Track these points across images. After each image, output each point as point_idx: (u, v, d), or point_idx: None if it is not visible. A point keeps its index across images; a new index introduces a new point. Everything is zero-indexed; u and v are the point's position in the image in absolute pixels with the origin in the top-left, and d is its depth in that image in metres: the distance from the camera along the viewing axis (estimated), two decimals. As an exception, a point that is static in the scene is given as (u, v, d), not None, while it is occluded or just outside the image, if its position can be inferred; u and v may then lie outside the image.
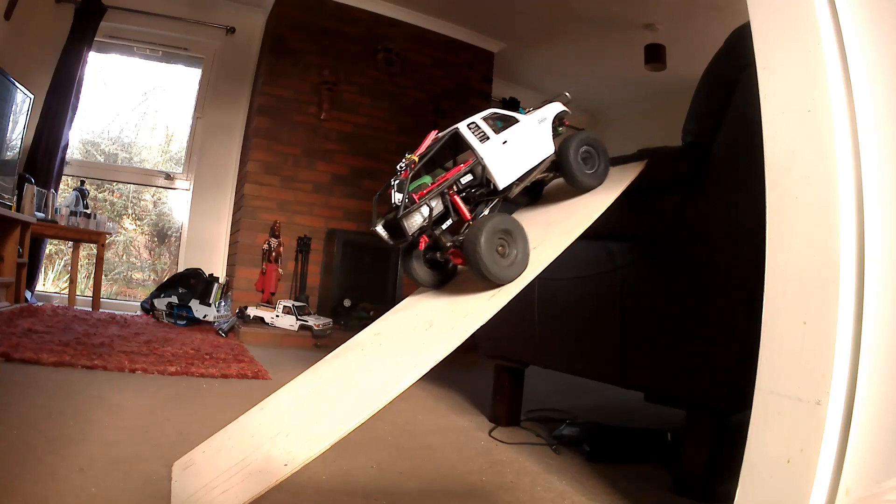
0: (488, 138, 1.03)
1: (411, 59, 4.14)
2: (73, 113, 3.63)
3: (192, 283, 3.62)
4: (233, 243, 3.92)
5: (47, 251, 3.81)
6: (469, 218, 1.00)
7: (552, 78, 5.22)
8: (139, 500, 0.87)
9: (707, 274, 1.08)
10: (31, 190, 3.12)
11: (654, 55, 4.15)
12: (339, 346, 1.11)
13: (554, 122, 1.17)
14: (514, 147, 1.06)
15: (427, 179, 1.02)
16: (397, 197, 0.95)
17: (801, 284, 0.67)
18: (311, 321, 3.16)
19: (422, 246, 1.02)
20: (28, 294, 3.35)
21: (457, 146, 1.05)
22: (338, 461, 1.12)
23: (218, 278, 3.79)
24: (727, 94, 1.08)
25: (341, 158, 3.90)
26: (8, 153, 3.05)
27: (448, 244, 1.00)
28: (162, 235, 4.48)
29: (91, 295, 3.56)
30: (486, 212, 1.04)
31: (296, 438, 0.83)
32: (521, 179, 1.07)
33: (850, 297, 0.64)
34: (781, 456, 0.65)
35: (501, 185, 1.03)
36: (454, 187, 1.00)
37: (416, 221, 0.97)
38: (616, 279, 1.24)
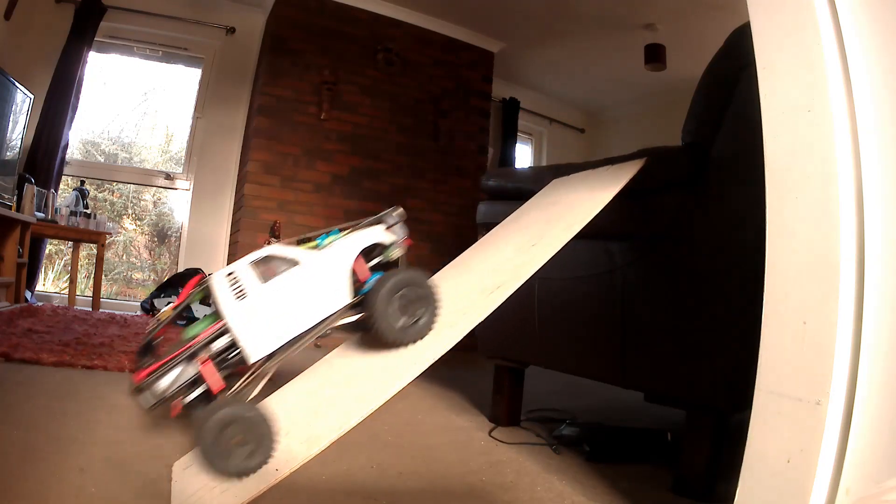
0: (246, 295, 0.81)
1: (411, 59, 4.14)
2: (73, 113, 3.63)
3: (192, 283, 3.62)
4: (233, 243, 3.92)
5: (47, 251, 3.81)
6: (216, 391, 0.80)
7: (552, 78, 5.23)
8: (139, 499, 0.87)
9: (707, 274, 1.08)
10: (31, 190, 3.12)
11: (654, 55, 4.15)
12: (338, 346, 1.11)
13: (374, 249, 0.92)
14: (283, 304, 0.82)
15: (203, 325, 0.84)
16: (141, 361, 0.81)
17: (801, 284, 0.67)
18: (311, 321, 3.15)
19: (173, 414, 0.82)
20: (28, 294, 3.35)
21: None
22: (338, 461, 1.11)
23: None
24: (727, 94, 1.08)
25: (341, 158, 3.90)
26: (8, 153, 3.04)
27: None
28: (162, 235, 4.48)
29: (91, 295, 3.56)
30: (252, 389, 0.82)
31: (295, 437, 0.83)
32: (295, 342, 0.85)
33: (850, 297, 0.63)
34: (781, 456, 0.65)
35: (253, 358, 0.81)
36: (207, 352, 0.81)
37: (157, 389, 0.79)
38: (616, 279, 1.24)
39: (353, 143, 3.93)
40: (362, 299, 0.88)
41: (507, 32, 4.31)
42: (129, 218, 4.50)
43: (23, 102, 3.14)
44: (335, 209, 3.88)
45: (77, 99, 3.64)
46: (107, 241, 3.60)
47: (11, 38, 3.33)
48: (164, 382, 0.79)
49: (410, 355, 0.88)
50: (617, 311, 1.23)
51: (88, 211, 3.54)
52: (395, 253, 0.93)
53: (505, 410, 1.57)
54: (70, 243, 3.79)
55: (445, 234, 4.19)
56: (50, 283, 4.17)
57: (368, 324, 0.87)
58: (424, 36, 4.20)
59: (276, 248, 0.85)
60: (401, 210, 0.96)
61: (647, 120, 5.38)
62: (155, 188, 4.30)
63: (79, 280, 3.78)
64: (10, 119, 3.02)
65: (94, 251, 3.60)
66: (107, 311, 3.49)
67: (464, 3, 3.94)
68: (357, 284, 0.89)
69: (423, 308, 0.88)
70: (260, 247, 3.26)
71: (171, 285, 3.63)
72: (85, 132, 4.14)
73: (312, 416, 0.88)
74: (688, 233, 1.12)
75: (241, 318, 0.80)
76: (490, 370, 1.64)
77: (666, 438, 1.40)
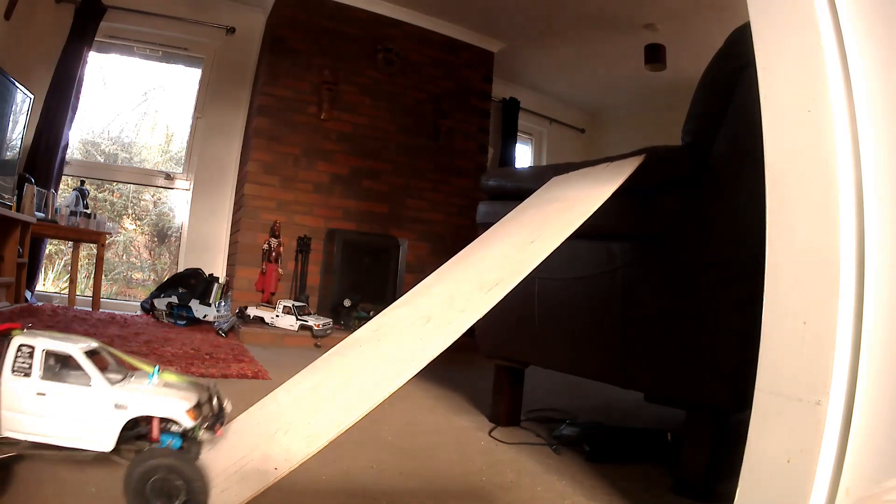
0: (27, 376, 0.78)
1: (411, 59, 4.14)
2: (73, 113, 3.63)
3: (192, 283, 3.62)
4: (233, 243, 3.92)
5: (47, 251, 3.81)
6: None
7: (552, 78, 5.23)
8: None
9: (707, 274, 1.08)
10: (31, 190, 3.12)
11: (654, 55, 4.15)
12: (337, 344, 1.11)
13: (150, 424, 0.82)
14: (49, 409, 0.78)
15: None
16: None
17: (801, 284, 0.67)
18: (311, 321, 3.16)
19: None
20: (28, 294, 3.35)
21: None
22: (338, 461, 1.11)
23: (218, 278, 3.79)
24: (727, 94, 1.08)
25: (341, 158, 3.90)
26: (8, 153, 3.05)
27: None
28: (162, 235, 4.48)
29: (91, 295, 3.56)
30: None
31: (294, 436, 0.82)
32: (41, 447, 0.79)
33: (850, 297, 0.63)
34: (781, 456, 0.65)
35: (1, 433, 0.78)
36: None
37: None
38: (616, 279, 1.24)
39: (353, 143, 3.94)
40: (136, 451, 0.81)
41: (507, 32, 4.31)
42: (129, 218, 4.50)
43: (23, 102, 3.14)
44: (335, 209, 3.88)
45: (77, 99, 3.64)
46: (107, 241, 3.60)
47: (11, 38, 3.33)
48: None
49: (409, 353, 0.88)
50: (617, 311, 1.23)
51: (88, 211, 3.54)
52: (204, 436, 0.84)
53: (505, 410, 1.57)
54: (70, 243, 3.79)
55: (445, 234, 4.19)
56: (50, 283, 4.17)
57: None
58: (424, 36, 4.20)
59: (80, 355, 0.80)
60: (223, 402, 0.89)
61: (647, 120, 5.38)
62: (155, 188, 4.30)
63: (79, 280, 3.78)
64: (10, 119, 3.02)
65: (94, 251, 3.60)
66: (107, 311, 3.49)
67: (464, 3, 3.94)
68: (148, 437, 0.82)
69: (188, 496, 0.77)
70: (260, 247, 3.25)
71: (171, 285, 3.63)
72: (85, 132, 4.14)
73: (312, 414, 0.88)
74: (688, 233, 1.12)
75: (8, 393, 0.78)
76: (490, 370, 1.64)
77: (666, 438, 1.40)
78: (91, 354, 0.81)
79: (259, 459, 0.81)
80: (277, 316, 3.19)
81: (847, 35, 0.66)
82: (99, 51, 3.92)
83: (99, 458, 0.81)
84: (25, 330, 0.81)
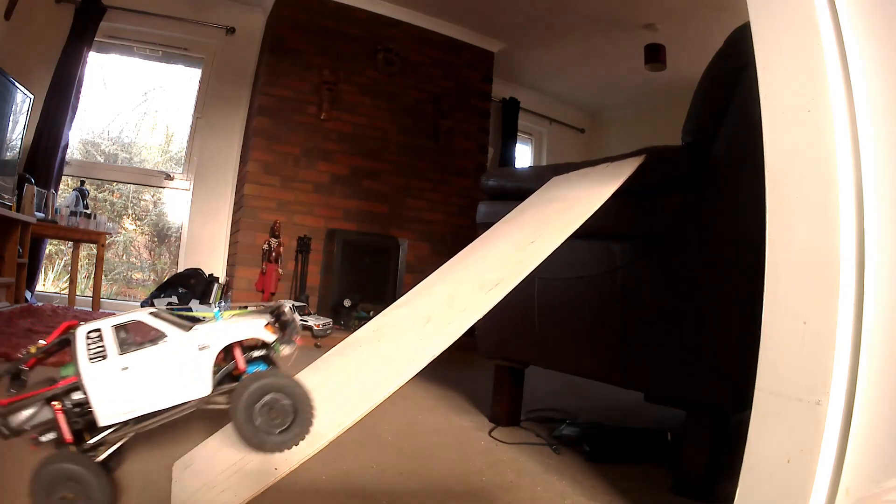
0: (104, 358, 0.78)
1: (411, 59, 4.14)
2: (73, 113, 3.63)
3: (192, 284, 3.62)
4: (233, 243, 3.92)
5: (47, 251, 3.81)
6: (68, 441, 0.77)
7: (552, 78, 5.23)
8: (139, 499, 0.87)
9: (707, 274, 1.08)
10: (31, 190, 3.12)
11: (654, 55, 4.15)
12: (337, 345, 1.11)
13: (242, 347, 0.85)
14: (139, 379, 0.78)
15: (66, 372, 0.81)
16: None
17: (801, 284, 0.67)
18: (312, 321, 3.16)
19: (31, 448, 0.80)
20: (28, 294, 3.35)
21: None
22: (338, 461, 1.11)
23: (218, 278, 3.79)
24: (727, 94, 1.08)
25: (341, 158, 3.90)
26: (8, 153, 3.04)
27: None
28: (162, 235, 4.48)
29: (91, 295, 3.56)
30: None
31: (295, 438, 0.82)
32: (147, 419, 0.80)
33: (850, 297, 0.63)
34: (781, 456, 0.65)
35: (101, 422, 0.78)
36: (66, 399, 0.79)
37: (11, 423, 0.77)
38: (616, 279, 1.24)
39: (353, 143, 3.93)
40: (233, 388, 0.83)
41: (507, 32, 4.31)
42: (129, 218, 4.49)
43: (23, 102, 3.14)
44: (335, 209, 3.88)
45: (77, 99, 3.64)
46: (107, 241, 3.60)
47: (11, 38, 3.33)
48: (20, 418, 0.78)
49: (410, 353, 0.88)
50: (617, 310, 1.23)
51: (88, 211, 3.54)
52: (285, 350, 0.86)
53: (505, 410, 1.57)
54: (70, 243, 3.79)
55: (445, 234, 4.19)
56: (50, 283, 4.17)
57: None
58: (424, 36, 4.20)
59: (147, 317, 0.80)
60: (289, 308, 0.89)
61: (647, 120, 5.38)
62: (155, 188, 4.30)
63: (79, 280, 3.78)
64: (10, 119, 3.02)
65: (94, 251, 3.60)
66: (107, 311, 3.49)
67: (464, 3, 3.94)
68: (236, 372, 0.84)
69: (293, 419, 0.80)
70: (260, 247, 3.26)
71: (171, 285, 3.63)
72: (85, 132, 4.14)
73: (312, 416, 0.88)
74: (688, 233, 1.12)
75: (94, 380, 0.78)
76: (490, 370, 1.64)
77: (666, 438, 1.40)
78: (154, 317, 0.81)
79: (259, 460, 0.81)
80: (277, 316, 3.19)
81: (847, 35, 0.66)
82: (99, 51, 3.92)
83: (201, 412, 0.81)
84: (80, 324, 0.81)
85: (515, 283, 0.91)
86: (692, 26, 3.87)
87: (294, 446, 0.79)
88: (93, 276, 3.64)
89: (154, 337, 0.79)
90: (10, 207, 2.89)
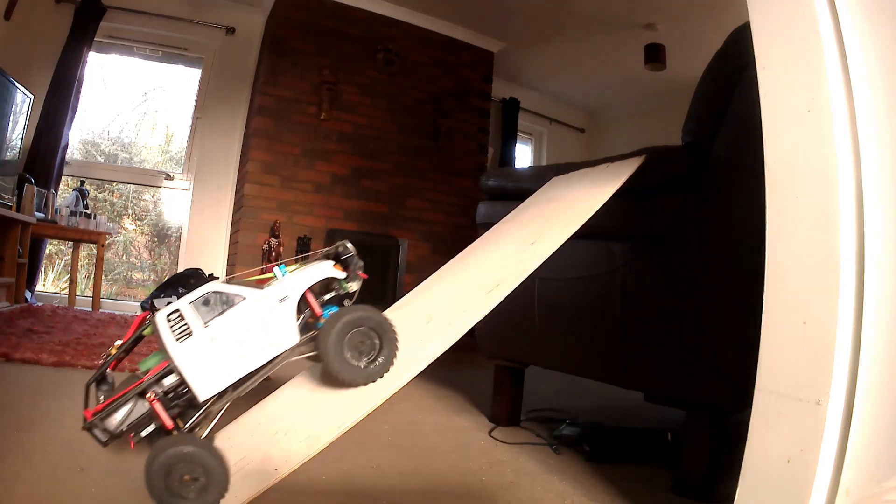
0: (190, 334, 0.79)
1: (411, 59, 4.14)
2: (73, 113, 3.63)
3: (192, 283, 3.61)
4: (233, 243, 3.92)
5: (47, 251, 3.81)
6: (170, 428, 0.79)
7: (552, 78, 5.23)
8: (139, 500, 0.87)
9: (707, 274, 1.08)
10: (31, 190, 3.12)
11: (654, 55, 4.15)
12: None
13: (330, 283, 0.89)
14: (230, 344, 0.80)
15: (155, 361, 0.84)
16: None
17: (801, 284, 0.67)
18: (311, 321, 3.15)
19: (132, 446, 0.81)
20: (28, 294, 3.35)
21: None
22: (338, 461, 1.11)
23: (218, 278, 3.79)
24: (727, 94, 1.08)
25: (341, 158, 3.90)
26: (8, 153, 3.05)
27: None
28: (162, 235, 4.48)
29: (91, 295, 3.56)
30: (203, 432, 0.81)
31: (294, 437, 0.83)
32: (244, 381, 0.83)
33: (850, 297, 0.63)
34: (781, 456, 0.65)
35: (202, 397, 0.80)
36: (157, 388, 0.81)
37: (109, 426, 0.78)
38: (616, 279, 1.24)
39: (353, 143, 3.93)
40: (316, 335, 0.86)
41: (507, 32, 4.31)
42: (129, 218, 4.49)
43: (23, 102, 3.14)
44: (335, 209, 3.88)
45: (77, 99, 3.64)
46: (107, 242, 3.60)
47: (11, 38, 3.33)
48: (116, 419, 0.79)
49: (411, 354, 0.88)
50: (617, 311, 1.23)
51: (88, 211, 3.54)
52: (353, 286, 0.90)
53: (505, 410, 1.57)
54: (70, 243, 3.79)
55: (445, 234, 4.19)
56: (50, 283, 4.17)
57: (321, 361, 0.85)
58: (424, 36, 4.20)
59: (219, 286, 0.82)
60: (348, 244, 0.93)
61: (647, 120, 5.38)
62: (155, 188, 4.30)
63: (79, 280, 3.78)
64: (10, 119, 3.02)
65: (94, 251, 3.60)
66: (107, 311, 3.49)
67: (464, 3, 3.94)
68: (311, 320, 0.87)
69: (379, 347, 0.85)
70: (260, 247, 3.28)
71: (171, 285, 3.63)
72: (85, 132, 4.14)
73: (312, 415, 0.88)
74: (688, 233, 1.12)
75: (186, 358, 0.79)
76: (490, 370, 1.64)
77: (666, 438, 1.40)
78: (226, 285, 0.84)
79: (259, 460, 0.81)
80: (277, 316, 3.19)
81: (847, 35, 0.66)
82: (99, 51, 3.92)
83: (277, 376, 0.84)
84: (155, 309, 0.83)
85: (516, 285, 0.91)
86: (692, 26, 3.87)
87: (384, 375, 0.83)
88: (93, 276, 3.64)
89: (233, 301, 0.82)
90: (10, 207, 2.89)
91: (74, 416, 1.25)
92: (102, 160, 4.21)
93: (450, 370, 2.30)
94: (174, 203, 4.36)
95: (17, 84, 3.01)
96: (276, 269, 0.88)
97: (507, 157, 5.25)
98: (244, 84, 4.17)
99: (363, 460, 1.16)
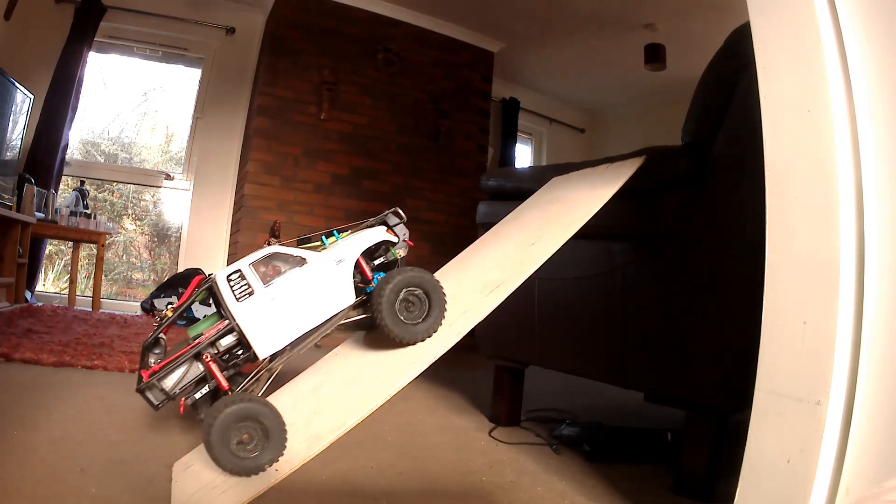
0: (252, 293, 0.82)
1: (411, 59, 4.14)
2: (73, 113, 3.63)
3: (192, 284, 3.61)
4: (233, 243, 3.92)
5: (47, 251, 3.81)
6: (226, 388, 0.81)
7: (552, 78, 5.23)
8: (139, 500, 0.87)
9: (707, 274, 1.08)
10: (31, 190, 3.12)
11: (654, 55, 4.15)
12: (338, 345, 1.11)
13: (378, 249, 0.93)
14: (290, 303, 0.83)
15: (209, 323, 0.86)
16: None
17: (801, 284, 0.67)
18: (311, 321, 3.16)
19: (181, 410, 0.84)
20: (28, 294, 3.35)
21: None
22: (338, 462, 1.11)
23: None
24: (727, 94, 1.08)
25: (341, 158, 3.90)
26: (8, 153, 3.04)
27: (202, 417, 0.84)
28: (162, 235, 4.48)
29: (91, 295, 3.56)
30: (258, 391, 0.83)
31: (295, 437, 0.82)
32: (302, 340, 0.86)
33: (850, 297, 0.63)
34: (781, 456, 0.65)
35: (262, 355, 0.83)
36: (213, 349, 0.83)
37: (164, 387, 0.81)
38: (616, 279, 1.24)
39: (353, 143, 3.93)
40: (366, 298, 0.90)
41: (507, 32, 4.31)
42: (129, 218, 4.49)
43: (23, 102, 3.14)
44: (335, 209, 3.88)
45: (77, 99, 3.64)
46: (107, 242, 3.60)
47: (11, 38, 3.33)
48: (170, 381, 0.81)
49: (411, 355, 0.88)
50: (617, 311, 1.23)
51: (88, 211, 3.54)
52: (400, 252, 0.95)
53: (505, 410, 1.56)
54: (70, 243, 3.79)
55: (445, 234, 4.19)
56: (50, 283, 4.17)
57: (375, 322, 0.87)
58: (424, 36, 4.20)
59: (279, 248, 0.85)
60: (400, 211, 0.98)
61: (647, 120, 5.38)
62: (155, 188, 4.30)
63: (79, 280, 3.78)
64: (10, 119, 3.02)
65: (94, 251, 3.60)
66: (107, 311, 3.49)
67: (463, 3, 3.94)
68: (361, 284, 0.91)
69: (428, 306, 0.88)
70: (260, 247, 3.27)
71: (171, 285, 3.62)
72: (85, 132, 4.14)
73: (313, 416, 0.88)
74: (688, 233, 1.12)
75: (247, 316, 0.81)
76: (490, 370, 1.64)
77: (666, 438, 1.40)
78: (287, 248, 0.88)
79: (259, 460, 0.81)
80: (277, 316, 3.19)
81: (847, 35, 0.66)
82: (99, 51, 3.92)
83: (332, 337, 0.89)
84: (208, 274, 0.86)
85: (517, 285, 0.91)
86: (692, 26, 3.87)
87: (435, 332, 0.87)
88: (93, 276, 3.64)
89: (293, 263, 0.85)
90: (10, 207, 2.89)
91: (74, 416, 1.25)
92: (102, 160, 4.21)
93: (450, 370, 2.29)
94: (174, 203, 4.36)
95: (17, 84, 3.01)
96: (329, 234, 0.93)
97: (507, 157, 5.24)
98: (244, 84, 4.17)
99: (363, 460, 1.16)
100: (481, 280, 1.01)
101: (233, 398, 0.77)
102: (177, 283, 3.64)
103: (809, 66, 0.68)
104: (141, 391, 0.80)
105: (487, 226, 1.39)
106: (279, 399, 1.02)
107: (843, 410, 0.63)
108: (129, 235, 4.48)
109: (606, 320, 1.26)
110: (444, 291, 0.89)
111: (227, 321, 0.82)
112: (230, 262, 3.96)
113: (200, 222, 4.11)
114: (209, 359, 0.81)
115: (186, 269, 3.80)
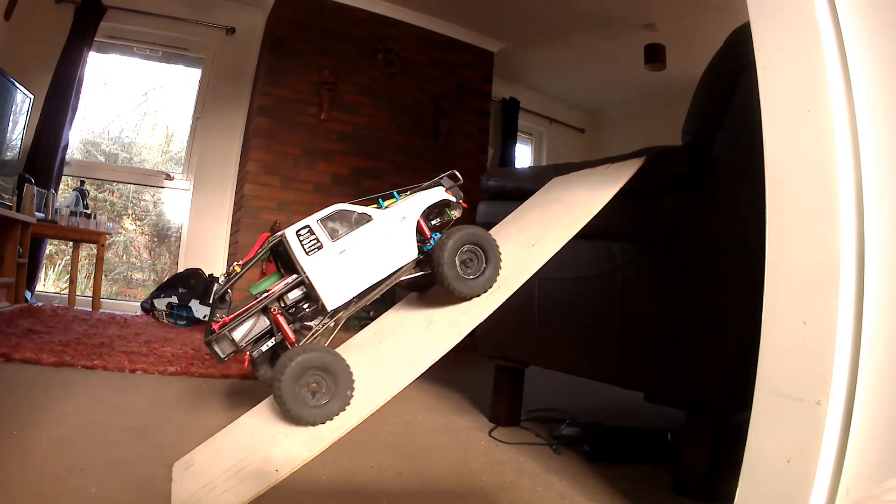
0: (321, 247, 0.86)
1: (411, 59, 4.14)
2: (73, 113, 3.63)
3: (192, 283, 3.61)
4: (233, 243, 3.92)
5: (47, 251, 3.81)
6: (292, 340, 0.86)
7: (552, 78, 5.23)
8: (139, 500, 0.87)
9: (707, 274, 1.08)
10: (31, 190, 3.12)
11: (654, 55, 4.15)
12: (338, 346, 1.11)
13: (432, 211, 0.98)
14: (357, 257, 0.88)
15: (270, 282, 0.90)
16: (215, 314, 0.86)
17: (801, 284, 0.67)
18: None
19: (246, 364, 0.90)
20: (28, 294, 3.35)
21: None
22: (338, 461, 1.11)
23: (218, 278, 3.78)
24: (727, 94, 1.08)
25: (341, 158, 3.90)
26: (8, 153, 3.04)
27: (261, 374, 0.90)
28: (162, 235, 4.48)
29: (91, 295, 3.56)
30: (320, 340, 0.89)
31: (295, 438, 0.83)
32: (367, 293, 0.91)
33: (850, 297, 0.63)
34: (781, 456, 0.65)
35: (331, 306, 0.87)
36: (281, 302, 0.87)
37: (233, 338, 0.86)
38: (616, 279, 1.24)
39: (353, 143, 3.93)
40: (425, 256, 0.95)
41: (507, 32, 4.31)
42: (129, 218, 4.49)
43: (23, 102, 3.14)
44: (335, 209, 3.87)
45: (77, 99, 3.64)
46: (107, 242, 3.60)
47: (11, 38, 3.33)
48: (240, 332, 0.86)
49: (411, 356, 0.88)
50: (617, 311, 1.23)
51: (88, 211, 3.54)
52: (455, 213, 1.00)
53: (505, 410, 1.56)
54: (70, 243, 3.79)
55: (445, 234, 4.18)
56: (50, 283, 4.16)
57: (434, 279, 0.93)
58: (424, 36, 4.20)
59: (345, 206, 0.90)
60: (456, 173, 1.04)
61: (647, 120, 5.38)
62: (155, 188, 4.30)
63: (79, 280, 3.78)
64: (10, 119, 3.02)
65: (94, 251, 3.60)
66: (107, 311, 3.49)
67: (463, 3, 3.94)
68: (420, 243, 0.96)
69: (485, 262, 0.94)
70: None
71: (171, 285, 3.63)
72: (85, 132, 4.14)
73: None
74: (688, 233, 1.12)
75: (316, 269, 0.85)
76: (490, 370, 1.64)
77: (666, 438, 1.40)
78: (352, 205, 0.92)
79: (260, 461, 0.81)
80: (277, 316, 3.19)
81: (847, 35, 0.66)
82: (99, 51, 3.91)
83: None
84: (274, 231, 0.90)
85: (517, 287, 0.91)
86: (692, 26, 3.87)
87: (489, 289, 0.92)
88: (93, 276, 3.64)
89: (359, 220, 0.90)
90: (10, 207, 2.89)
91: (75, 416, 1.25)
92: (102, 160, 4.21)
93: (450, 370, 2.29)
94: (174, 203, 4.36)
95: (17, 84, 3.01)
96: (392, 195, 0.97)
97: (507, 157, 5.24)
98: (244, 84, 4.16)
99: (363, 460, 1.16)
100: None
101: (302, 348, 0.81)
102: (177, 283, 3.64)
103: (809, 66, 0.68)
104: (209, 343, 0.84)
105: (487, 226, 1.39)
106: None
107: (843, 410, 0.63)
108: (129, 235, 4.48)
109: (607, 320, 1.26)
110: (499, 248, 0.95)
111: (293, 277, 0.86)
112: (230, 262, 3.96)
113: (200, 222, 4.11)
114: (276, 311, 0.85)
115: (186, 269, 3.80)
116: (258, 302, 0.85)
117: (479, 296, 0.93)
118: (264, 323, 0.87)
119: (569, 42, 4.40)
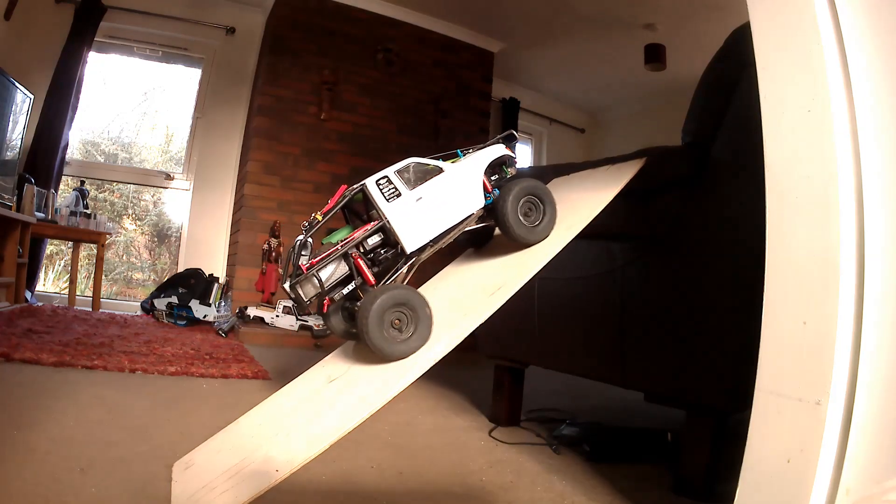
0: (399, 195, 0.94)
1: (411, 59, 4.14)
2: (73, 113, 3.63)
3: (192, 283, 3.61)
4: (233, 243, 3.92)
5: (47, 251, 3.81)
6: (372, 283, 0.92)
7: (552, 78, 5.23)
8: (139, 500, 0.87)
9: (707, 274, 1.08)
10: (31, 190, 3.12)
11: (654, 55, 4.15)
12: (338, 346, 1.11)
13: (493, 167, 1.06)
14: (432, 204, 0.96)
15: (344, 233, 0.96)
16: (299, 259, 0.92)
17: (801, 284, 0.67)
18: (311, 321, 3.16)
19: (325, 309, 0.95)
20: (28, 294, 3.35)
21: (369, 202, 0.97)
22: (338, 461, 1.11)
23: (218, 278, 3.79)
24: (727, 94, 1.08)
25: (341, 158, 3.90)
26: (8, 153, 3.04)
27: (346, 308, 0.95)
28: (162, 235, 4.48)
29: (91, 295, 3.56)
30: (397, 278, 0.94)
31: (295, 438, 0.83)
32: (439, 238, 0.98)
33: (850, 297, 0.63)
34: (781, 456, 0.65)
35: (409, 249, 0.94)
36: (360, 248, 0.94)
37: (317, 281, 0.91)
38: (616, 279, 1.24)
39: (353, 143, 3.93)
40: (487, 211, 1.03)
41: (507, 32, 4.31)
42: (129, 218, 4.49)
43: (23, 102, 3.14)
44: (335, 209, 3.87)
45: (77, 99, 3.64)
46: (107, 241, 3.60)
47: (11, 38, 3.33)
48: (325, 274, 0.92)
49: (412, 357, 0.88)
50: (617, 311, 1.23)
51: (88, 211, 3.54)
52: (511, 171, 1.08)
53: (505, 410, 1.56)
54: (70, 243, 3.79)
55: (445, 234, 4.18)
56: (50, 283, 4.17)
57: (500, 227, 1.01)
58: (424, 36, 4.20)
59: (419, 159, 0.98)
60: (514, 132, 1.14)
61: (647, 120, 5.38)
62: (155, 188, 4.30)
63: (79, 280, 3.78)
64: (10, 119, 3.02)
65: (94, 251, 3.60)
66: (107, 311, 3.49)
67: (463, 3, 3.94)
68: (484, 196, 1.03)
69: (543, 212, 1.02)
70: (260, 247, 3.30)
71: (171, 285, 3.63)
72: (85, 132, 4.14)
73: (314, 417, 0.88)
74: (688, 233, 1.12)
75: (397, 215, 0.92)
76: (490, 370, 1.64)
77: (666, 438, 1.40)
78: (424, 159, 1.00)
79: (260, 461, 0.81)
80: (277, 316, 3.20)
81: (847, 35, 0.66)
82: (99, 51, 3.92)
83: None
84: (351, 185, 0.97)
85: (518, 287, 0.91)
86: (692, 26, 3.87)
87: (546, 237, 1.01)
88: (93, 276, 3.64)
89: (432, 171, 0.98)
90: (10, 207, 2.89)
91: (75, 416, 1.25)
92: (102, 160, 4.21)
93: (450, 370, 2.30)
94: (174, 203, 4.36)
95: (17, 84, 3.01)
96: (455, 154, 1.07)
97: (507, 157, 5.24)
98: (244, 84, 4.17)
99: (363, 460, 1.16)
100: (483, 282, 1.01)
101: (386, 287, 0.86)
102: (177, 283, 3.65)
103: (809, 66, 0.68)
104: (294, 286, 0.89)
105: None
106: (280, 400, 1.02)
107: (843, 410, 0.63)
108: (129, 235, 4.48)
109: (606, 320, 1.26)
110: (554, 197, 1.03)
111: (375, 223, 0.93)
112: (230, 261, 3.96)
113: (200, 222, 4.11)
114: (357, 255, 0.92)
115: (186, 269, 3.80)
116: (339, 247, 0.92)
117: (541, 241, 1.00)
118: (343, 268, 0.93)
119: (569, 42, 4.40)
